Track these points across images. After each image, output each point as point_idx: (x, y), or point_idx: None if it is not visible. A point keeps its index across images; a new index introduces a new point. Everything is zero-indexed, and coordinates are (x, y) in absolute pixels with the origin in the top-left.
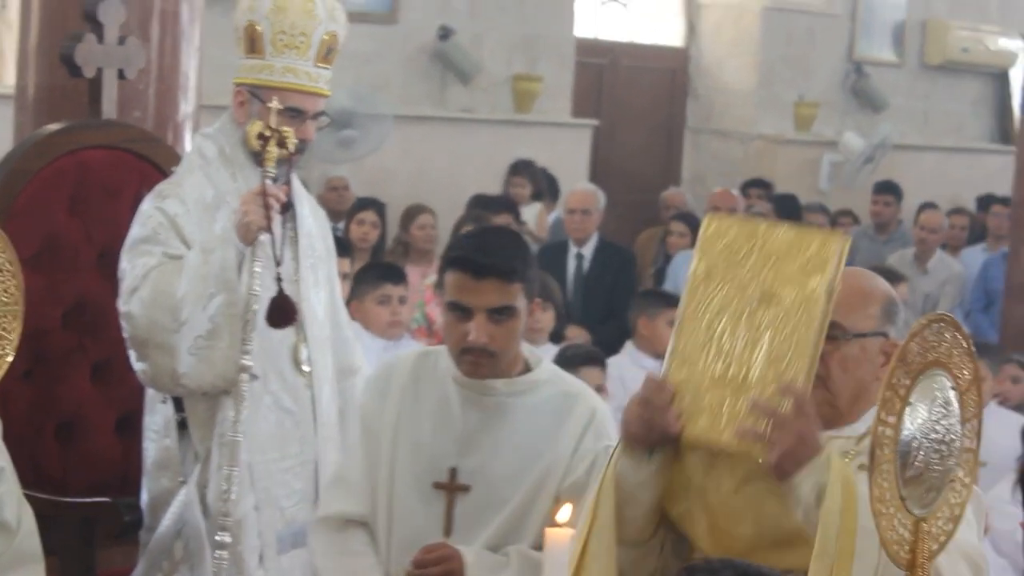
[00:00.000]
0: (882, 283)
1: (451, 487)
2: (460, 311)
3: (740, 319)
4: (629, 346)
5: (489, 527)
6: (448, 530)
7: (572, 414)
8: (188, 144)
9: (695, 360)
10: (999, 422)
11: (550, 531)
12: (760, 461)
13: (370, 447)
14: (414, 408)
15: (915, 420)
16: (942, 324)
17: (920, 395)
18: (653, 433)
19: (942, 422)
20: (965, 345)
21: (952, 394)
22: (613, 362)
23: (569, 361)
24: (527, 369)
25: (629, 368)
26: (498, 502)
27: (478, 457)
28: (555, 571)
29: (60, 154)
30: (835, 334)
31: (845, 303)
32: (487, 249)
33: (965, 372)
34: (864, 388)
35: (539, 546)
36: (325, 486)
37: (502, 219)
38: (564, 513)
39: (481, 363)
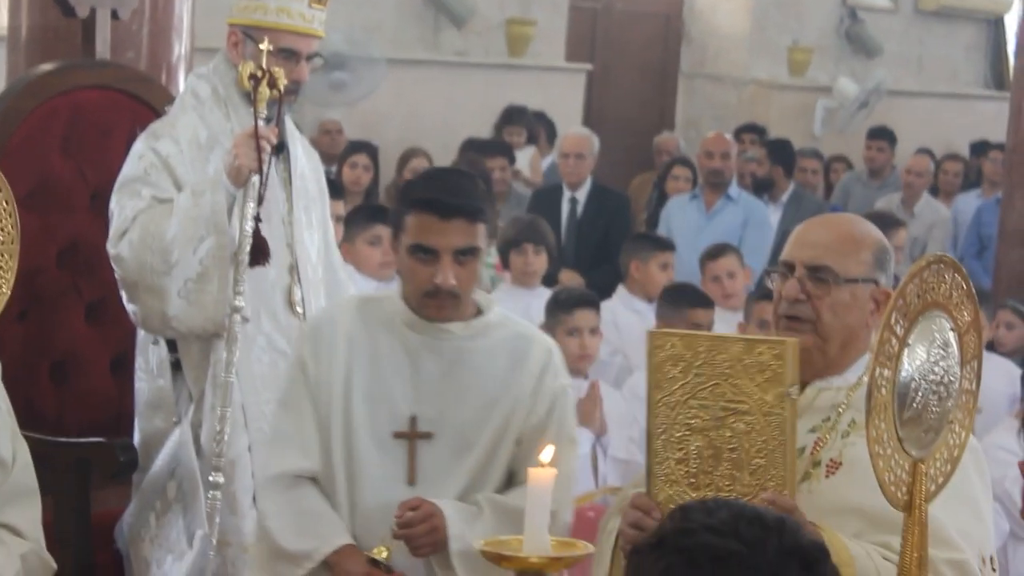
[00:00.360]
0: (874, 230)
1: (412, 435)
2: (425, 253)
3: (710, 435)
4: (621, 290)
5: (455, 474)
6: (412, 479)
7: (529, 355)
8: (182, 85)
9: (676, 478)
10: (993, 368)
11: (533, 470)
12: None
13: (319, 400)
14: (364, 357)
15: (914, 361)
16: (941, 266)
17: (919, 336)
18: None
19: (941, 363)
20: (965, 287)
21: (951, 336)
22: (606, 306)
23: (563, 304)
24: (479, 312)
25: (621, 311)
26: (464, 447)
27: (438, 403)
28: (538, 509)
29: (53, 94)
30: (826, 278)
31: (837, 248)
32: (452, 190)
33: (965, 314)
34: (853, 335)
35: (502, 489)
36: (266, 445)
37: (496, 163)
38: (547, 453)
39: (446, 306)
